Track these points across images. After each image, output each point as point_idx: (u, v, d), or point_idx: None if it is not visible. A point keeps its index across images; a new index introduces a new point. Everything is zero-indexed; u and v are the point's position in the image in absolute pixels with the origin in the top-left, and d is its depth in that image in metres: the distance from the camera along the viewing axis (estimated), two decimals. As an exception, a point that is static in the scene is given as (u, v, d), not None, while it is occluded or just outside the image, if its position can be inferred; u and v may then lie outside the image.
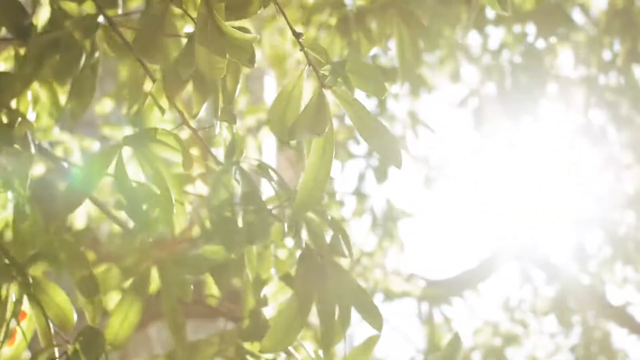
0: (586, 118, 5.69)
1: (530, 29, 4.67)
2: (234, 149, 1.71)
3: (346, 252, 1.77)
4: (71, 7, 2.09)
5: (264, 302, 2.03)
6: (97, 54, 2.07)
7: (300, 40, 1.52)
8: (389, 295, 6.18)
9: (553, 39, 4.67)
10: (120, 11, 2.08)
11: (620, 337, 7.20)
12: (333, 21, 2.44)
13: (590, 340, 7.08)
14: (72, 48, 1.98)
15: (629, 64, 4.60)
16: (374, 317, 1.72)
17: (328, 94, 1.51)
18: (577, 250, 7.08)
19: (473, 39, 5.65)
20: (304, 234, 1.74)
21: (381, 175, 5.77)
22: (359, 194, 5.92)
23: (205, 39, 1.44)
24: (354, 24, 2.42)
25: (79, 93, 2.03)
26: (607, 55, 4.65)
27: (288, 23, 1.54)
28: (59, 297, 1.80)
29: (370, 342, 1.95)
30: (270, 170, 1.71)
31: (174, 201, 1.65)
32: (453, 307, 6.71)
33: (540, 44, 4.86)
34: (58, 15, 2.05)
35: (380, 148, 1.47)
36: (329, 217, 1.86)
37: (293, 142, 1.66)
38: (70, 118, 2.02)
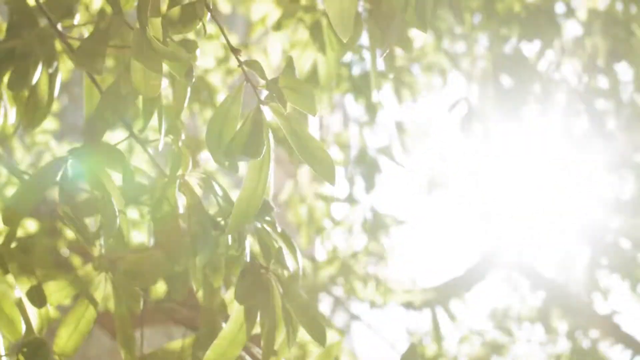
0: (577, 121, 5.70)
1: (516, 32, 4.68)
2: (179, 162, 1.72)
3: (291, 265, 1.78)
4: (30, 17, 2.10)
5: (221, 311, 2.04)
6: (55, 64, 2.08)
7: (238, 56, 1.53)
8: (374, 303, 6.18)
9: (538, 42, 4.69)
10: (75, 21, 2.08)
11: (606, 346, 7.19)
12: (306, 26, 2.45)
13: (577, 349, 7.08)
14: (27, 58, 1.99)
15: (611, 65, 4.62)
16: (317, 332, 1.73)
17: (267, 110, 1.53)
18: (564, 258, 7.09)
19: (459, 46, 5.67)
20: (248, 247, 1.75)
21: (369, 183, 5.78)
22: (349, 201, 5.93)
23: (140, 55, 1.45)
24: (327, 28, 2.43)
25: (35, 103, 2.04)
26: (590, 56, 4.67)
27: (226, 39, 1.55)
28: (7, 306, 1.80)
29: (330, 351, 1.96)
30: (214, 184, 1.72)
31: (117, 212, 1.66)
32: (440, 314, 6.72)
33: (527, 47, 4.87)
34: (16, 25, 2.06)
35: (316, 165, 1.48)
36: (279, 229, 1.87)
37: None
38: (25, 128, 2.03)
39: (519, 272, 7.17)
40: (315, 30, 2.48)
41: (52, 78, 2.10)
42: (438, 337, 6.13)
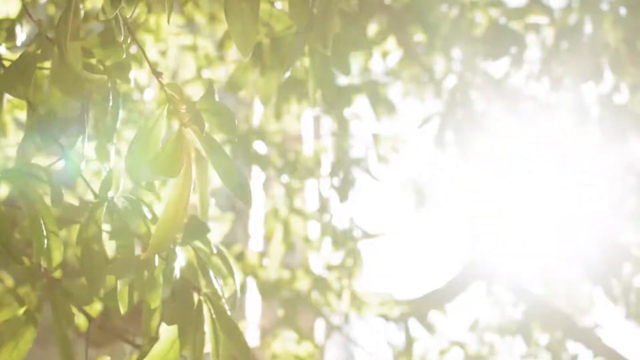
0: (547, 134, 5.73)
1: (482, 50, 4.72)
2: (109, 184, 1.73)
3: (219, 286, 1.79)
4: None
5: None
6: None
7: (160, 79, 1.54)
8: (348, 315, 6.18)
9: (504, 60, 4.72)
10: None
11: (587, 359, 7.20)
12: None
13: (558, 361, 7.09)
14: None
15: (577, 83, 4.66)
16: (244, 354, 1.74)
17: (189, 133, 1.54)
18: (546, 270, 7.10)
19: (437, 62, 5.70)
20: (178, 268, 1.76)
21: (343, 195, 5.80)
22: (323, 213, 5.94)
23: (58, 79, 1.46)
24: (268, 51, 2.45)
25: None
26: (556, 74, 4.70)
27: (149, 63, 1.56)
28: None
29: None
30: (142, 206, 1.73)
31: (45, 232, 1.67)
32: (419, 326, 6.72)
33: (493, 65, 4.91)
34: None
35: (233, 186, 1.50)
36: (215, 249, 1.88)
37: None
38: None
39: (500, 284, 7.17)
40: (257, 52, 2.51)
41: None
42: (409, 351, 6.14)
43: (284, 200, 5.60)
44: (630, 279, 7.01)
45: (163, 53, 4.79)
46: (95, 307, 2.08)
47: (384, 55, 5.43)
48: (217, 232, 4.80)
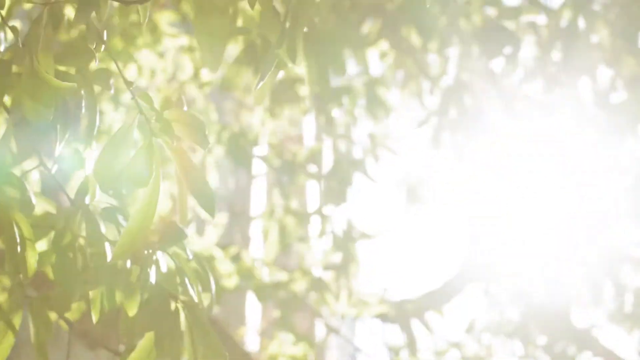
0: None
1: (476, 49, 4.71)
2: (85, 191, 1.74)
3: (196, 294, 1.79)
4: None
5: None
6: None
7: (131, 88, 1.54)
8: (350, 316, 6.19)
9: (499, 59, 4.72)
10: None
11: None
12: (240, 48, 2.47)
13: (555, 362, 7.08)
14: None
15: (570, 82, 4.65)
16: None
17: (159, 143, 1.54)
18: (543, 271, 7.10)
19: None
20: (153, 274, 1.76)
21: (340, 196, 5.80)
22: (320, 215, 5.94)
23: (28, 87, 1.46)
24: (261, 50, 2.46)
25: None
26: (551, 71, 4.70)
27: (120, 72, 1.56)
28: None
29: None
30: (117, 214, 1.74)
31: (18, 240, 1.67)
32: (416, 327, 6.72)
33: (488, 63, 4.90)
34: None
35: (199, 197, 1.50)
36: (190, 256, 1.88)
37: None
38: None
39: (498, 285, 7.17)
40: (251, 52, 2.51)
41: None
42: (413, 350, 6.14)
43: (281, 201, 5.60)
44: (627, 279, 7.01)
45: (160, 55, 4.80)
46: (77, 313, 2.08)
47: (381, 55, 5.43)
48: (212, 234, 4.82)
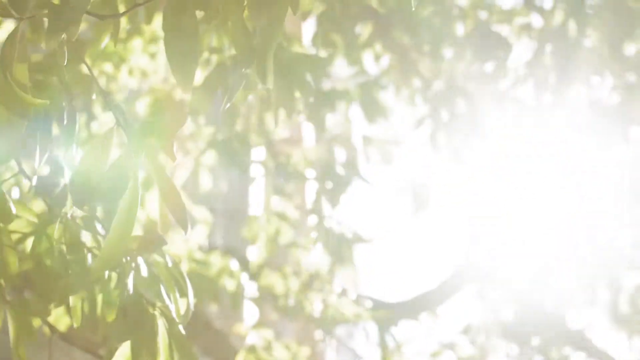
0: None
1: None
2: (64, 199, 1.76)
3: (172, 301, 1.81)
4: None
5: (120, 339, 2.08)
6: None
7: (108, 99, 1.56)
8: (342, 319, 6.20)
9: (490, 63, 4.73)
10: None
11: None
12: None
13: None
14: None
15: (563, 85, 4.67)
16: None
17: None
18: (538, 272, 7.11)
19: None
20: (131, 283, 1.78)
21: (334, 199, 5.81)
22: (314, 216, 5.95)
23: (2, 100, 1.48)
24: (231, 70, 2.48)
25: None
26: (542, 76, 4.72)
27: (96, 84, 1.58)
28: None
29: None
30: (95, 221, 1.76)
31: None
32: (408, 330, 6.74)
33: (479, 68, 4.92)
34: None
35: (172, 209, 1.52)
36: (169, 263, 1.90)
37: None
38: None
39: (492, 287, 7.19)
40: (220, 71, 2.55)
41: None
42: (394, 354, 6.16)
43: (275, 204, 5.62)
44: (622, 281, 7.03)
45: (152, 55, 4.81)
46: (61, 318, 2.11)
47: (376, 58, 5.44)
48: (199, 234, 4.84)
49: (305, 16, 4.35)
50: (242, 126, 5.54)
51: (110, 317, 1.93)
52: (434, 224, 7.57)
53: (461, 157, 6.03)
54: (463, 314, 7.49)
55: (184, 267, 4.73)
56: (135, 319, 1.78)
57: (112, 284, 1.79)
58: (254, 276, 5.54)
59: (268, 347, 5.20)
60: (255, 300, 5.83)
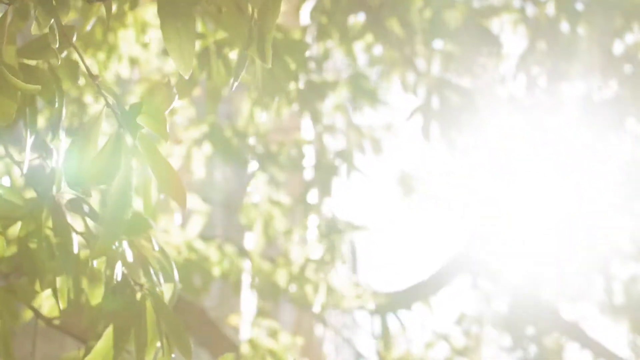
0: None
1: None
2: (51, 182, 1.76)
3: (163, 284, 1.82)
4: None
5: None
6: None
7: (97, 82, 1.57)
8: (339, 307, 6.20)
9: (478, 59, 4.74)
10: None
11: (572, 351, 7.24)
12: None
13: (543, 354, 7.12)
14: None
15: (553, 83, 4.67)
16: (186, 350, 1.77)
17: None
18: (532, 263, 7.13)
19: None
20: (119, 265, 1.79)
21: (326, 188, 5.82)
22: (305, 206, 5.95)
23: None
24: (214, 54, 2.50)
25: None
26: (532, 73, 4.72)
27: (85, 67, 1.59)
28: None
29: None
30: (83, 205, 1.76)
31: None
32: (403, 318, 6.75)
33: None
34: None
35: (167, 190, 1.52)
36: (157, 248, 1.91)
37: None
38: None
39: (486, 277, 7.21)
40: (204, 57, 2.55)
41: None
42: (388, 343, 6.17)
43: (267, 193, 5.62)
44: (616, 272, 7.06)
45: (145, 45, 4.79)
46: (48, 303, 2.10)
47: (367, 48, 5.44)
48: (196, 224, 4.83)
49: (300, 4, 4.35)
50: (238, 118, 5.55)
51: (96, 300, 1.94)
52: (428, 214, 7.57)
53: (456, 149, 6.04)
54: (457, 304, 7.51)
55: (183, 257, 4.75)
56: (123, 300, 1.78)
57: (99, 267, 1.79)
58: (252, 264, 5.54)
59: (273, 335, 5.20)
60: (253, 290, 5.83)
